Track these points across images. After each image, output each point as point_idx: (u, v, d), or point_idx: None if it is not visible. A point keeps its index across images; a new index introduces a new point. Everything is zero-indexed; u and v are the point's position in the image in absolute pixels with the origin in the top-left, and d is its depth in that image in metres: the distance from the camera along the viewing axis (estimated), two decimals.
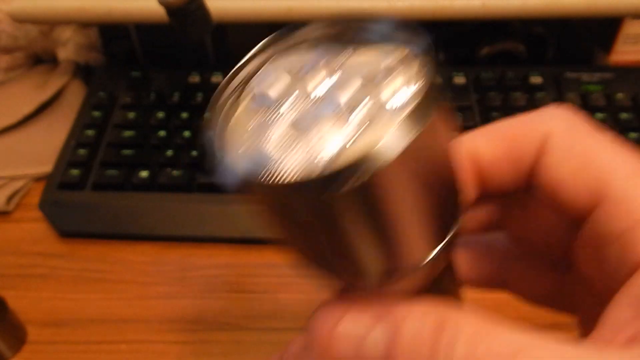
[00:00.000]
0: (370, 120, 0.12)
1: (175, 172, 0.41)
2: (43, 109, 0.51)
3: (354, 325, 0.15)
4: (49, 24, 0.53)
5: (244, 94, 0.14)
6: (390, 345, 0.14)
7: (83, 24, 0.53)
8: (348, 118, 0.12)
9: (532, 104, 0.45)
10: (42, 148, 0.47)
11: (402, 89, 0.12)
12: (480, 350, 0.13)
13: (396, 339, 0.14)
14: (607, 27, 0.52)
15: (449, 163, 0.14)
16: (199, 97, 0.46)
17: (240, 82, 0.14)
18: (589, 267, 0.17)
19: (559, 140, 0.16)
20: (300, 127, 0.13)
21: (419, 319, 0.14)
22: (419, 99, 0.12)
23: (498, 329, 0.13)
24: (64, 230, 0.41)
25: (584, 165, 0.16)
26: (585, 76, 0.47)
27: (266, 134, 0.13)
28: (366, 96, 0.13)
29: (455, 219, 0.15)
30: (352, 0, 0.44)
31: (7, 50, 0.54)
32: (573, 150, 0.16)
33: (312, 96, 0.13)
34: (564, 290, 0.20)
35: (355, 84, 0.13)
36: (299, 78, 0.14)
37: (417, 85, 0.12)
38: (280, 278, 0.38)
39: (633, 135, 0.42)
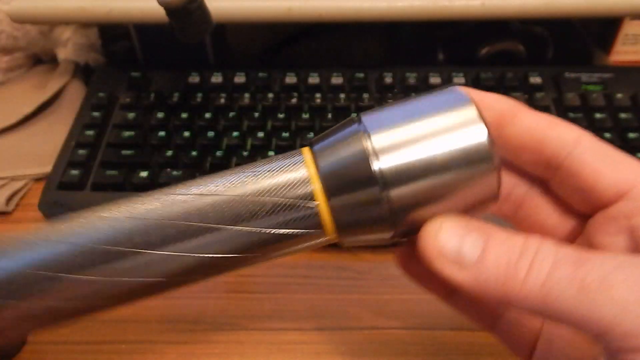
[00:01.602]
0: None
1: (175, 172, 0.42)
2: (43, 109, 0.51)
3: (451, 233, 0.19)
4: (49, 24, 0.53)
5: None
6: (484, 246, 0.18)
7: (83, 24, 0.53)
8: None
9: (531, 104, 0.45)
10: (42, 148, 0.47)
11: None
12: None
13: (489, 242, 0.19)
14: (607, 27, 0.52)
15: None
16: (199, 97, 0.46)
17: None
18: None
19: (591, 142, 0.21)
20: None
21: (504, 230, 0.19)
22: None
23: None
24: None
25: (615, 164, 0.21)
26: (584, 76, 0.47)
27: None
28: None
29: None
30: (352, 1, 0.44)
31: (7, 51, 0.54)
32: (604, 152, 0.21)
33: None
34: None
35: None
36: None
37: None
38: (280, 278, 0.38)
39: (632, 135, 0.42)
